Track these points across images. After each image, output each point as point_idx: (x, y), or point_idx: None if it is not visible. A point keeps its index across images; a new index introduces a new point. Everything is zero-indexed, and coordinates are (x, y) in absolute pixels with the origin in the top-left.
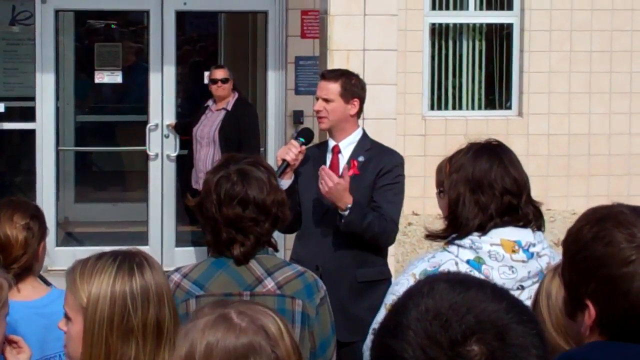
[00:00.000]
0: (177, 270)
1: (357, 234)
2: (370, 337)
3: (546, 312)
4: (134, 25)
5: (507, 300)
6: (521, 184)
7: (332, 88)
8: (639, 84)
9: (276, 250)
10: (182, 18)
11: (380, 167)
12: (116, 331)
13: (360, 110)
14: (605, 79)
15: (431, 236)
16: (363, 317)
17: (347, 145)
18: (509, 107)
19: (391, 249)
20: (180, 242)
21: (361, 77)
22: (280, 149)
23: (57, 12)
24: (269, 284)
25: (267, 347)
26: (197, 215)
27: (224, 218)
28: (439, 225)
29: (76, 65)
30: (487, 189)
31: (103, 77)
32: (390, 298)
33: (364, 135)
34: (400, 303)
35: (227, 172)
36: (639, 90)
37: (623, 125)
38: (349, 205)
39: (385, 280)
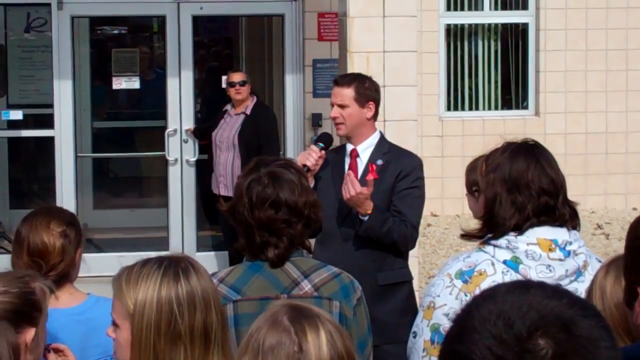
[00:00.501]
0: (213, 275)
1: (376, 239)
2: (409, 342)
3: (600, 307)
4: (150, 31)
5: (568, 297)
6: (558, 184)
7: (346, 93)
8: None
9: (310, 252)
10: (198, 22)
11: (399, 171)
12: (164, 337)
13: (376, 113)
14: (622, 77)
15: (467, 236)
16: (385, 320)
17: (365, 149)
18: (526, 107)
19: (413, 251)
20: (201, 247)
21: (379, 79)
22: (300, 154)
23: (72, 18)
24: (306, 286)
25: (291, 347)
26: (230, 219)
27: (256, 221)
28: (473, 224)
29: (92, 71)
30: (524, 189)
31: (121, 83)
32: (427, 300)
33: (382, 138)
34: (464, 310)
35: (258, 175)
36: None
37: None
38: (369, 212)
39: (406, 282)
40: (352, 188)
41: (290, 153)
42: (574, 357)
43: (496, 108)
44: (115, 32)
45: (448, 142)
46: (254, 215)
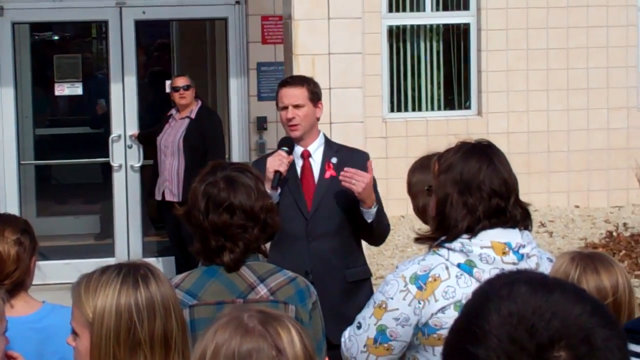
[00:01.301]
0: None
1: (376, 230)
2: (351, 330)
3: None
4: (92, 36)
5: (590, 302)
6: (510, 186)
7: (301, 93)
8: (596, 80)
9: (266, 256)
10: (140, 27)
11: (358, 168)
12: (123, 345)
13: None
14: (563, 76)
15: (421, 239)
16: (354, 316)
17: (317, 149)
18: (468, 107)
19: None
20: (147, 252)
21: (325, 81)
22: (268, 161)
23: (13, 24)
24: (262, 290)
25: (270, 352)
26: (185, 223)
27: (211, 225)
28: (418, 225)
29: (34, 78)
30: (475, 190)
31: (63, 89)
32: (380, 298)
33: (326, 137)
34: (477, 306)
35: (214, 179)
36: (596, 86)
37: (581, 121)
38: (374, 201)
39: (368, 279)
40: (361, 178)
41: (235, 157)
42: None
43: (439, 109)
44: (57, 37)
45: (392, 143)
46: (209, 220)
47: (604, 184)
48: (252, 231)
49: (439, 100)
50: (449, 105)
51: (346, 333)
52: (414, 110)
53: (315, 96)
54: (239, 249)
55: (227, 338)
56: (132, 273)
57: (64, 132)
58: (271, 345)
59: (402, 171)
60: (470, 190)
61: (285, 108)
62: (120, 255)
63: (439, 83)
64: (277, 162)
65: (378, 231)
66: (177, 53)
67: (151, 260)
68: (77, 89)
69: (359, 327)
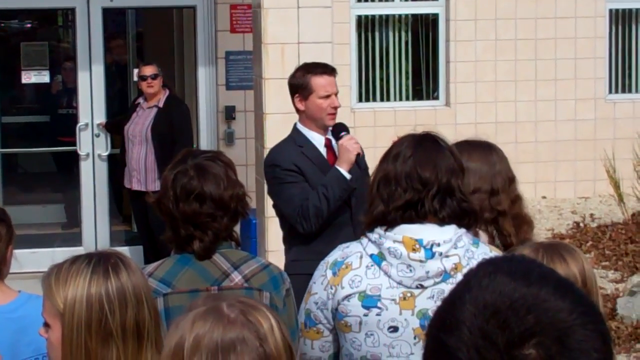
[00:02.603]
0: (141, 269)
1: None
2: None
3: None
4: (59, 24)
5: (572, 297)
6: (430, 179)
7: (335, 81)
8: (564, 71)
9: (238, 244)
10: (107, 15)
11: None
12: (95, 335)
13: None
14: (531, 67)
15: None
16: None
17: (327, 137)
18: (437, 97)
19: None
20: (114, 242)
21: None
22: (344, 149)
23: None
24: (236, 277)
25: (254, 341)
26: (157, 211)
27: (181, 214)
28: None
29: (0, 65)
30: (393, 183)
31: (30, 77)
32: (310, 283)
33: None
34: (456, 294)
35: (185, 168)
36: (563, 77)
37: (549, 112)
38: None
39: None
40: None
41: (203, 146)
42: None
43: (407, 99)
44: (24, 25)
45: (360, 133)
46: (179, 208)
47: (571, 175)
48: (221, 220)
49: (407, 90)
50: (417, 95)
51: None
52: (382, 100)
53: None
54: (208, 237)
55: (208, 329)
56: (102, 262)
57: (31, 120)
58: (255, 335)
59: (370, 161)
60: (388, 182)
61: (328, 96)
62: (88, 244)
63: (407, 73)
64: (356, 146)
65: None
66: (146, 41)
67: (118, 249)
68: (44, 77)
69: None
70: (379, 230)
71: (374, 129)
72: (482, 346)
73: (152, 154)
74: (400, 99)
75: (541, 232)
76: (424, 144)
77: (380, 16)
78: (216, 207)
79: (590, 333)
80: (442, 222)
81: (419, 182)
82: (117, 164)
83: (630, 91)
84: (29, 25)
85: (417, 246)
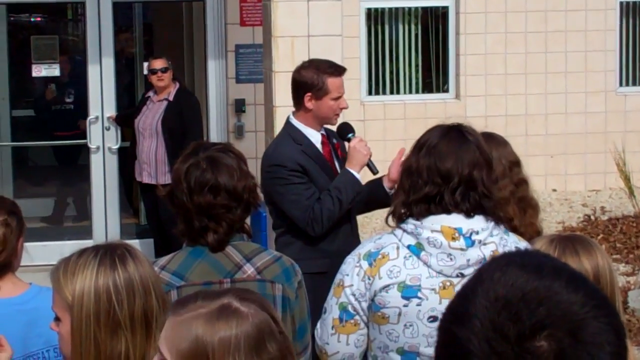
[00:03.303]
0: (154, 263)
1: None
2: (323, 315)
3: None
4: (69, 17)
5: (585, 291)
6: (451, 173)
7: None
8: (574, 64)
9: (250, 236)
10: (118, 8)
11: (341, 143)
12: (104, 327)
13: None
14: (541, 60)
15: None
16: None
17: (321, 133)
18: (447, 90)
19: None
20: (124, 235)
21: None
22: (357, 152)
23: None
24: (249, 269)
25: (275, 328)
26: (169, 204)
27: (195, 206)
28: None
29: (11, 59)
30: (415, 175)
31: (40, 70)
32: (339, 277)
33: None
34: (469, 287)
35: (197, 160)
36: (573, 70)
37: (559, 105)
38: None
39: None
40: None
41: (213, 139)
42: None
43: (417, 92)
44: (34, 19)
45: (370, 126)
46: (192, 200)
47: (582, 167)
48: (235, 211)
49: (417, 83)
50: (427, 88)
51: (318, 323)
52: (392, 93)
53: None
54: (223, 229)
55: (235, 327)
56: (109, 254)
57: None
58: (272, 320)
59: (380, 154)
60: (411, 174)
61: (340, 97)
62: (98, 237)
63: (417, 66)
64: (367, 148)
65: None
66: (156, 35)
67: (130, 243)
68: (54, 71)
69: (324, 312)
70: (414, 221)
71: (383, 122)
72: (493, 338)
73: (162, 147)
74: (410, 92)
75: (552, 225)
76: (448, 136)
77: (390, 9)
78: (230, 198)
79: (604, 326)
80: (467, 214)
81: (439, 175)
82: (127, 157)
83: None
84: (39, 19)
85: (457, 235)
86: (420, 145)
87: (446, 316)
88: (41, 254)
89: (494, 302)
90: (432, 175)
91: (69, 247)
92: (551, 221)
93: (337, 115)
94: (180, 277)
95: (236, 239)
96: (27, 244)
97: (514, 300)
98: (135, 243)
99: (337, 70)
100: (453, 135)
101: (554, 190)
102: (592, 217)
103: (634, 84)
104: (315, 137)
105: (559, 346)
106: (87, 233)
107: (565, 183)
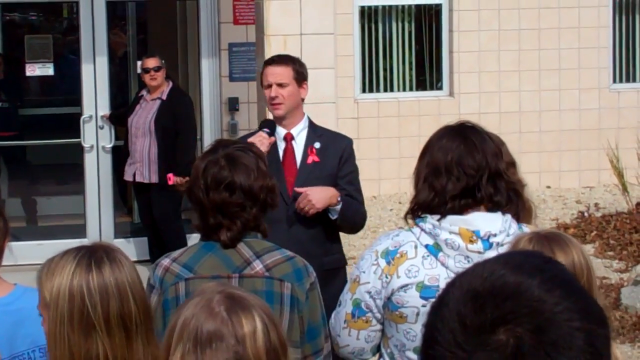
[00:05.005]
0: (167, 255)
1: (346, 224)
2: (337, 308)
3: None
4: (63, 16)
5: (563, 292)
6: (482, 165)
7: (286, 72)
8: (567, 61)
9: (265, 235)
10: (110, 7)
11: (340, 154)
12: (77, 328)
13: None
14: (534, 56)
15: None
16: (329, 304)
17: (300, 132)
18: (440, 88)
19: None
20: (118, 233)
21: None
22: (254, 142)
23: None
24: (257, 266)
25: (230, 340)
26: (188, 200)
27: (211, 203)
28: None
29: (5, 58)
30: (444, 172)
31: (34, 69)
32: (355, 273)
33: (311, 121)
34: (453, 280)
35: (215, 157)
36: (567, 67)
37: (553, 102)
38: (339, 199)
39: (343, 267)
40: (311, 197)
41: (207, 138)
42: (535, 357)
43: (411, 89)
44: (28, 18)
45: (364, 124)
46: (208, 197)
47: (576, 164)
48: (250, 210)
49: (410, 80)
50: (421, 86)
51: (333, 314)
52: (385, 90)
53: (300, 76)
54: (237, 227)
55: (193, 316)
56: (87, 256)
57: (36, 112)
58: (231, 334)
59: (374, 152)
60: (439, 171)
61: (270, 86)
62: (92, 236)
63: (410, 64)
64: (258, 145)
65: (347, 224)
66: (149, 33)
67: (123, 241)
68: (48, 70)
69: (339, 305)
70: (432, 221)
71: (377, 120)
72: (455, 328)
73: (155, 146)
74: (404, 90)
75: (545, 222)
76: (465, 132)
77: (384, 7)
78: (246, 197)
79: (574, 331)
80: (495, 206)
81: (472, 168)
82: (121, 156)
83: (634, 80)
84: (33, 18)
85: (474, 237)
86: (440, 146)
87: (432, 303)
88: (35, 253)
89: (465, 293)
90: (465, 169)
91: (62, 246)
92: (545, 218)
93: (273, 106)
94: (190, 269)
95: (250, 236)
96: (20, 244)
97: (482, 293)
98: (129, 241)
99: (273, 59)
100: (468, 131)
101: (548, 187)
102: (586, 214)
103: (627, 80)
104: (281, 133)
105: (517, 342)
106: (81, 232)
107: (559, 180)
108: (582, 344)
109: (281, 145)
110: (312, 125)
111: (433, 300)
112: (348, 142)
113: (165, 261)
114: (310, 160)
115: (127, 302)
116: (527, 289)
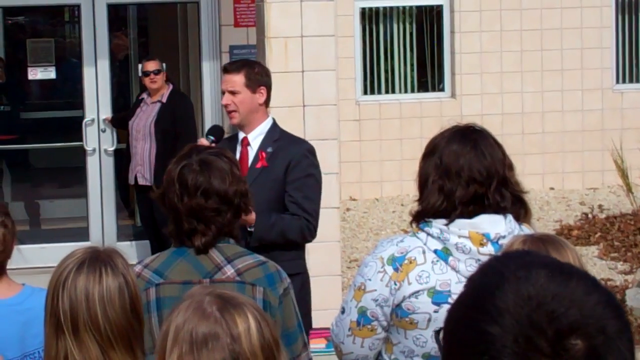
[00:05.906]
0: (140, 262)
1: (270, 243)
2: (337, 316)
3: None
4: (65, 20)
5: (604, 293)
6: (491, 172)
7: (237, 79)
8: (570, 62)
9: (238, 240)
10: (112, 11)
11: (288, 160)
12: (48, 327)
13: (268, 98)
14: (537, 57)
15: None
16: None
17: (256, 137)
18: (442, 89)
19: (334, 235)
20: (121, 236)
21: (298, 64)
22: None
23: None
24: (228, 271)
25: (225, 339)
26: (160, 205)
27: (186, 208)
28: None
29: (7, 61)
30: (454, 176)
31: (36, 73)
32: (359, 280)
33: (274, 125)
34: (491, 284)
35: (190, 162)
36: (569, 67)
37: (555, 102)
38: (252, 222)
39: (299, 274)
40: None
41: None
42: (607, 356)
43: (412, 91)
44: (30, 21)
45: (365, 126)
46: (183, 202)
47: (579, 165)
48: (225, 215)
49: (412, 82)
50: (423, 87)
51: (334, 320)
52: (387, 92)
53: (253, 82)
54: (212, 232)
55: (185, 320)
56: (80, 261)
57: (38, 115)
58: (227, 333)
59: (376, 154)
60: (449, 175)
61: (224, 93)
62: (95, 239)
63: (412, 65)
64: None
65: (280, 240)
66: (150, 36)
67: (125, 244)
68: (50, 73)
69: (342, 312)
70: (439, 225)
71: (379, 122)
72: (532, 334)
73: (155, 149)
74: (406, 91)
75: (549, 224)
76: (474, 137)
77: (385, 8)
78: (221, 202)
79: (624, 326)
80: (499, 211)
81: (482, 175)
82: (123, 159)
83: (637, 81)
84: (35, 22)
85: (485, 240)
86: (450, 150)
87: (467, 312)
88: (38, 256)
89: (527, 300)
90: (475, 175)
91: (65, 249)
92: (549, 220)
93: (228, 113)
94: (160, 275)
95: (222, 241)
96: (24, 247)
97: (547, 300)
98: (132, 244)
99: (225, 66)
100: (476, 135)
101: (552, 188)
102: (590, 216)
103: (631, 81)
104: (240, 137)
105: (592, 344)
106: (83, 235)
107: (562, 181)
108: (630, 337)
109: (238, 149)
110: (272, 130)
111: (448, 305)
112: (300, 147)
113: (137, 267)
114: (259, 165)
115: (103, 311)
116: (582, 294)
